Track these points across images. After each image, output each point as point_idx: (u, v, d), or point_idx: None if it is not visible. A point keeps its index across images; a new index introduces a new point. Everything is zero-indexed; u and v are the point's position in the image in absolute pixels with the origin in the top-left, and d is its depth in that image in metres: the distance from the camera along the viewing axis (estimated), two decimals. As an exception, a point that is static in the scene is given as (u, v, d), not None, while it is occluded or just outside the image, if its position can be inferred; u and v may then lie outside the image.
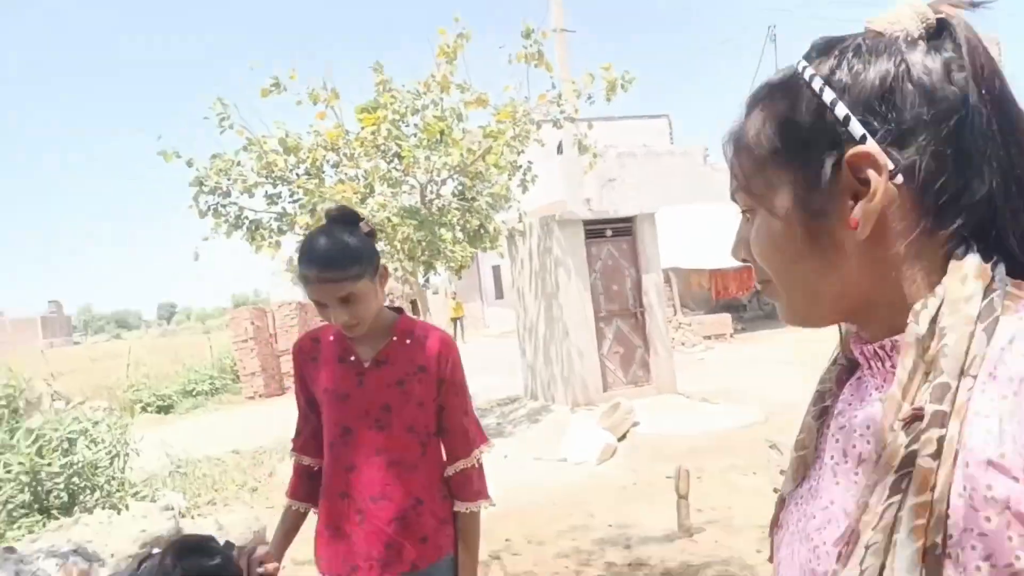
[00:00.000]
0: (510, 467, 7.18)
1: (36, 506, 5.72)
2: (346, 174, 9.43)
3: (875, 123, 0.61)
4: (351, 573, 1.91)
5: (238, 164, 9.56)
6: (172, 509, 5.61)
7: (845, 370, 0.76)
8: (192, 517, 6.35)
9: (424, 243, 9.11)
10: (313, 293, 1.78)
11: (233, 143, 10.74)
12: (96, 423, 6.68)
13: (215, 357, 20.05)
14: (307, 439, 2.07)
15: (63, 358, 28.13)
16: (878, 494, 0.56)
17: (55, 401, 11.80)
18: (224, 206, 10.05)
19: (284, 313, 17.42)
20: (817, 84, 0.64)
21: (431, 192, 9.89)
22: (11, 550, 4.25)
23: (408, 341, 1.94)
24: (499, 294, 24.74)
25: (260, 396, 16.24)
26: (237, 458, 9.18)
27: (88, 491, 6.05)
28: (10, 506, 5.59)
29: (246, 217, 10.04)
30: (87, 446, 6.40)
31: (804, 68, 0.66)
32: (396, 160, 9.44)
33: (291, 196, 9.85)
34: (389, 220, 8.74)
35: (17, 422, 6.46)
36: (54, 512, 5.76)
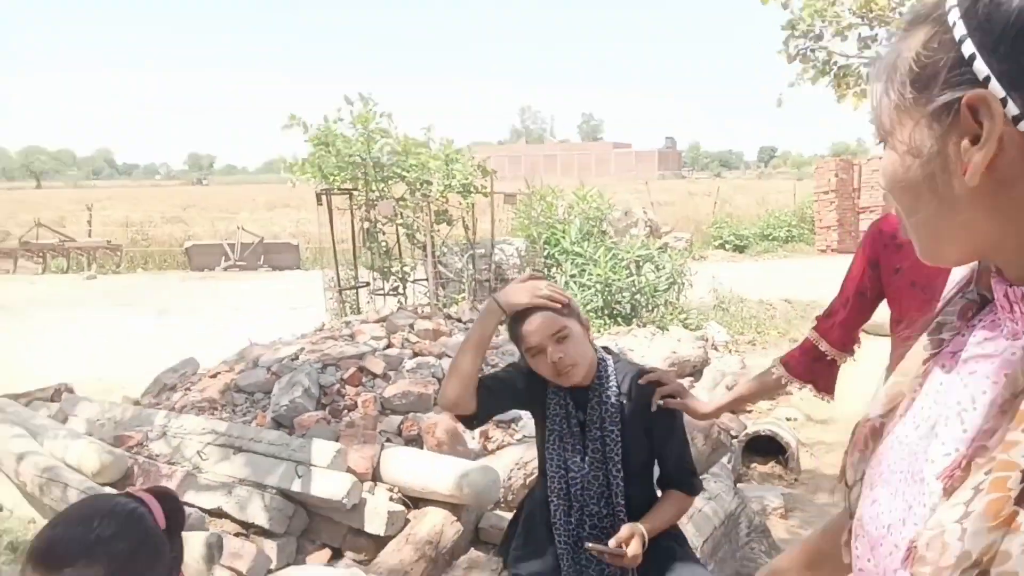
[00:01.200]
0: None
1: (606, 311, 6.94)
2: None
3: (1004, 64, 0.56)
4: None
5: (834, 4, 8.97)
6: (706, 340, 6.16)
7: (972, 305, 0.71)
8: (730, 351, 6.86)
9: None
10: None
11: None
12: (662, 250, 7.57)
13: (797, 205, 20.16)
14: (836, 325, 1.93)
15: (667, 189, 31.82)
16: (997, 439, 0.55)
17: (647, 227, 13.59)
18: (813, 51, 9.65)
19: (873, 167, 16.28)
20: (953, 16, 0.59)
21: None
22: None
23: None
24: None
25: (832, 250, 15.92)
26: (787, 307, 9.38)
27: (646, 309, 7.02)
28: (588, 308, 6.90)
29: (835, 62, 9.49)
30: (652, 270, 7.35)
31: None
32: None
33: (888, 39, 8.91)
34: None
35: (602, 241, 7.77)
36: (619, 320, 6.89)
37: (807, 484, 4.39)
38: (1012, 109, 0.55)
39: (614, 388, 1.83)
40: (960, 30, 0.58)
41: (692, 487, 1.92)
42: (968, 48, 0.57)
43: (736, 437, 4.57)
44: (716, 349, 6.38)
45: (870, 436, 0.76)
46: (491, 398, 1.82)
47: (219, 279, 14.87)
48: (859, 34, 9.22)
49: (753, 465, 4.57)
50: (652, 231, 12.31)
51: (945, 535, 0.54)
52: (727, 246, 17.57)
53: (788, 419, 5.35)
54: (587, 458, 1.81)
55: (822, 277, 12.07)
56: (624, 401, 1.83)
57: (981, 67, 0.56)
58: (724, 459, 4.18)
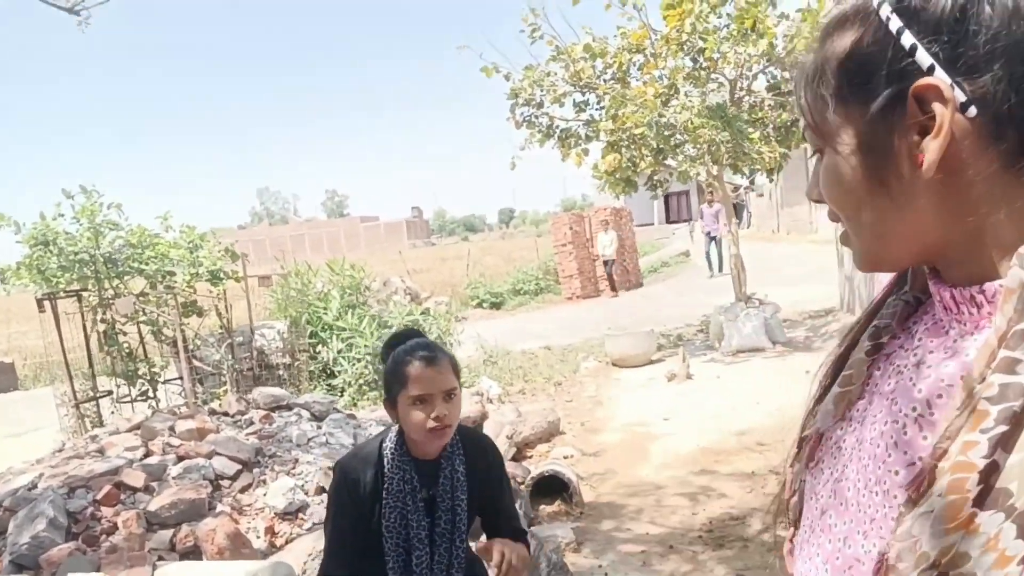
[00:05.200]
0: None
1: (380, 383, 6.86)
2: (650, 75, 9.24)
3: (946, 51, 0.55)
4: None
5: (548, 75, 9.87)
6: (481, 395, 6.33)
7: (908, 308, 0.71)
8: (502, 401, 7.10)
9: (729, 144, 8.67)
10: None
11: (546, 54, 11.24)
12: (423, 314, 7.68)
13: (541, 259, 21.56)
14: None
15: (420, 257, 32.43)
16: (959, 442, 0.53)
17: (407, 295, 13.74)
18: (537, 116, 10.50)
19: (600, 218, 17.99)
20: (885, 11, 0.58)
21: (741, 88, 9.31)
22: (352, 416, 5.18)
23: None
24: (829, 196, 22.63)
25: (577, 297, 17.19)
26: (548, 353, 9.94)
27: (419, 374, 7.05)
28: (360, 382, 6.79)
29: (557, 126, 10.40)
30: (419, 335, 7.42)
31: None
32: (701, 57, 9.01)
33: (597, 103, 9.98)
34: (691, 122, 8.46)
35: (365, 312, 7.73)
36: (393, 389, 6.84)
37: (591, 515, 4.64)
38: (959, 95, 0.55)
39: (461, 456, 1.81)
40: (896, 22, 0.57)
41: (527, 535, 1.93)
42: (908, 39, 0.56)
43: (523, 483, 4.72)
44: (491, 402, 6.58)
45: (816, 447, 0.74)
46: (358, 545, 1.78)
47: (-90, 416, 12.43)
48: (574, 100, 10.28)
49: (541, 506, 4.74)
50: (413, 298, 12.47)
51: (918, 544, 0.53)
52: (484, 304, 18.26)
53: (565, 457, 5.64)
54: (436, 531, 1.76)
55: (573, 322, 13.03)
56: (467, 467, 1.81)
57: (924, 56, 0.56)
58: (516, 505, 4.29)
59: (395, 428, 1.82)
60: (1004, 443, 0.50)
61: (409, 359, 1.72)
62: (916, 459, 0.60)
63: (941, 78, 0.55)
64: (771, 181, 10.79)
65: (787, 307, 9.96)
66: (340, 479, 1.80)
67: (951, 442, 0.54)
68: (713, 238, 17.79)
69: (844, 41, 0.61)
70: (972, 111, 0.55)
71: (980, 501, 0.50)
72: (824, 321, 9.82)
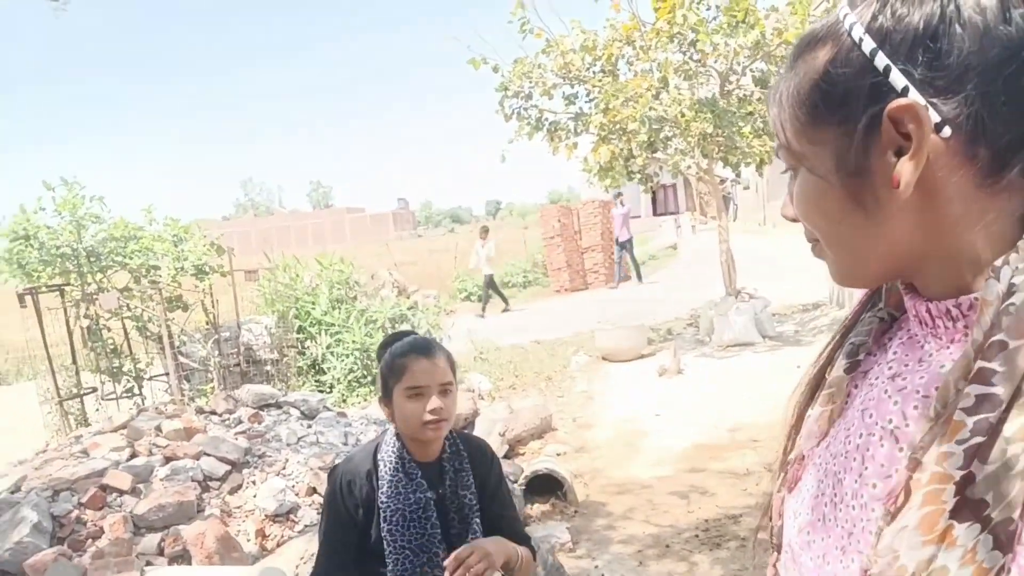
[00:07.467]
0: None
1: (368, 378, 6.79)
2: (640, 69, 9.17)
3: (919, 72, 0.55)
4: None
5: (538, 67, 9.78)
6: (473, 391, 6.27)
7: (884, 325, 0.72)
8: (493, 398, 7.05)
9: (721, 137, 8.63)
10: None
11: (535, 46, 11.17)
12: (411, 308, 7.61)
13: (528, 252, 21.49)
14: None
15: (406, 249, 32.28)
16: (933, 453, 0.53)
17: (395, 288, 13.63)
18: (526, 109, 10.41)
19: (588, 211, 17.94)
20: (857, 33, 0.58)
21: (731, 82, 9.27)
22: (343, 415, 5.11)
23: None
24: (816, 189, 22.72)
25: (565, 290, 17.15)
26: (538, 348, 9.89)
27: (408, 369, 6.99)
28: (349, 378, 6.70)
29: (546, 119, 10.32)
30: (408, 329, 7.35)
31: (846, 15, 0.60)
32: (692, 49, 8.95)
33: (587, 96, 9.91)
34: (683, 115, 8.41)
35: (353, 306, 7.64)
36: (383, 385, 6.78)
37: (584, 514, 4.60)
38: (933, 116, 0.55)
39: (466, 457, 1.81)
40: (869, 44, 0.57)
41: (529, 540, 1.87)
42: (881, 60, 0.56)
43: (517, 481, 4.67)
44: (483, 398, 6.52)
45: (801, 469, 0.74)
46: (352, 553, 1.75)
47: None
48: (563, 92, 10.20)
49: (534, 505, 4.70)
50: (401, 291, 12.37)
51: (897, 558, 0.53)
52: (472, 298, 18.18)
53: (558, 454, 5.60)
54: (452, 534, 1.73)
55: (559, 316, 12.98)
56: (472, 470, 1.81)
57: (898, 77, 0.56)
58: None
59: (391, 431, 1.80)
60: (980, 454, 0.51)
61: (405, 352, 1.75)
62: (892, 471, 0.61)
63: (916, 99, 0.55)
64: (760, 175, 10.79)
65: (776, 301, 9.96)
66: (334, 485, 1.78)
67: (925, 453, 0.54)
68: (622, 245, 16.33)
69: (817, 61, 0.61)
70: (947, 131, 0.55)
71: (957, 512, 0.51)
72: (812, 315, 9.83)
